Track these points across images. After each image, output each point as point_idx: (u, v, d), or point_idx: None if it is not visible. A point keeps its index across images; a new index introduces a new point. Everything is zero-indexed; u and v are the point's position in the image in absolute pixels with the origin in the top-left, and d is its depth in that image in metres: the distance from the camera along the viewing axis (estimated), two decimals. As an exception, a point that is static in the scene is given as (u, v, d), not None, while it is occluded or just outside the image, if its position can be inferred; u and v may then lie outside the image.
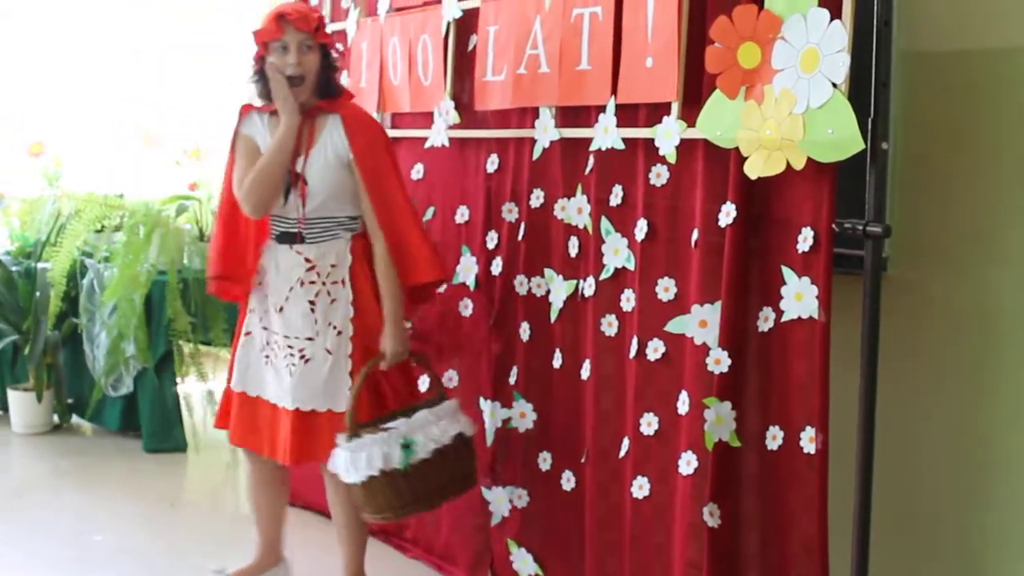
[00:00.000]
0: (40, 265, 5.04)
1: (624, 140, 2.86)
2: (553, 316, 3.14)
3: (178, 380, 4.88)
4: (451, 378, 3.46)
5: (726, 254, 2.59)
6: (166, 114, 6.22)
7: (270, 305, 3.14)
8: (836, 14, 2.34)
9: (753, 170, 2.48)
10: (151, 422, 4.83)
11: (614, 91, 2.86)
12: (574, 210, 3.06)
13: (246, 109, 3.15)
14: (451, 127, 3.46)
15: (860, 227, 2.43)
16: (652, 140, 2.77)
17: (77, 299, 4.99)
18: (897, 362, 2.74)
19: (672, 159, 2.73)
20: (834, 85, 2.32)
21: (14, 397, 5.08)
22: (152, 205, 4.92)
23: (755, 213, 2.58)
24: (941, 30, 2.76)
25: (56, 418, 5.17)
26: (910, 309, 2.82)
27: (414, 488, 2.92)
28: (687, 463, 2.66)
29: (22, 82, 6.12)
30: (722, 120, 2.55)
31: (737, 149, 2.53)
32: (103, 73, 6.24)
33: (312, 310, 3.06)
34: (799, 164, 2.39)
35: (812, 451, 2.45)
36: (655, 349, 2.79)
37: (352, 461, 2.89)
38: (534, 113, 3.16)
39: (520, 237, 3.24)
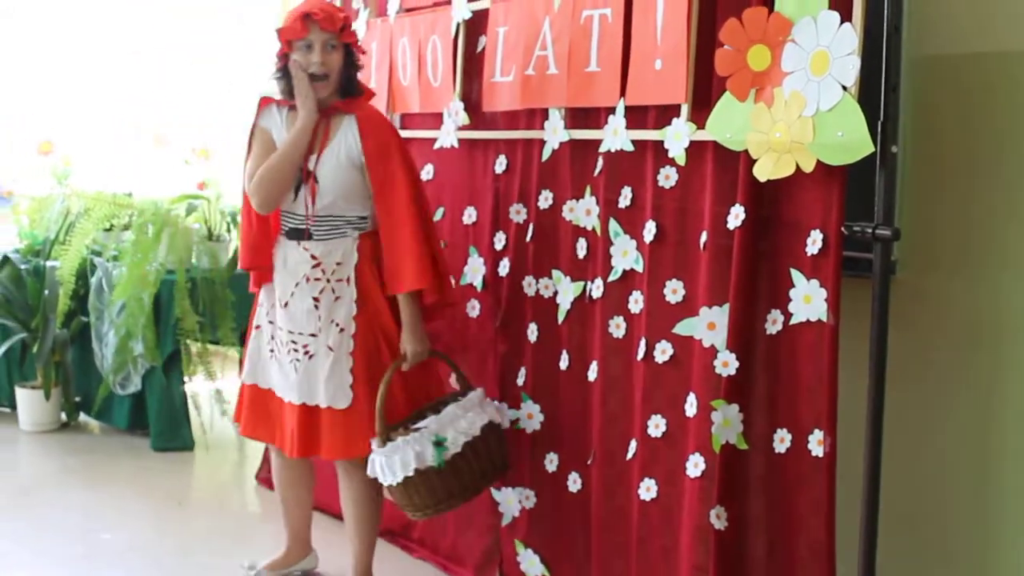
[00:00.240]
0: (49, 263, 5.06)
1: (633, 142, 2.86)
2: (560, 317, 3.14)
3: (186, 379, 4.89)
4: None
5: (735, 256, 2.59)
6: (175, 113, 6.24)
7: (276, 300, 3.16)
8: (846, 17, 2.33)
9: (762, 172, 2.48)
10: (159, 421, 4.84)
11: (623, 93, 2.86)
12: (583, 212, 3.06)
13: (265, 102, 3.16)
14: (460, 128, 3.46)
15: (869, 230, 2.43)
16: (661, 142, 2.77)
17: (86, 297, 5.00)
18: (905, 365, 2.74)
19: (681, 161, 2.73)
20: (844, 88, 2.32)
21: (22, 395, 5.09)
22: (161, 204, 4.93)
23: (764, 216, 2.58)
24: (951, 33, 2.75)
25: (64, 416, 5.18)
26: (919, 312, 2.82)
27: (449, 483, 2.98)
28: (694, 465, 2.66)
29: (32, 81, 6.13)
30: (732, 122, 2.55)
31: (746, 151, 2.52)
32: (111, 72, 6.26)
33: (316, 307, 3.08)
34: (808, 167, 2.39)
35: (820, 454, 2.45)
36: (663, 351, 2.79)
37: (388, 464, 2.95)
38: (542, 114, 3.16)
39: (528, 238, 3.24)
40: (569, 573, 3.17)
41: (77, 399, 5.21)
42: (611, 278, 2.95)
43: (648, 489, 2.81)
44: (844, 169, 2.38)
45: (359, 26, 3.93)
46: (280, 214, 3.14)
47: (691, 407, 2.69)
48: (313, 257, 3.08)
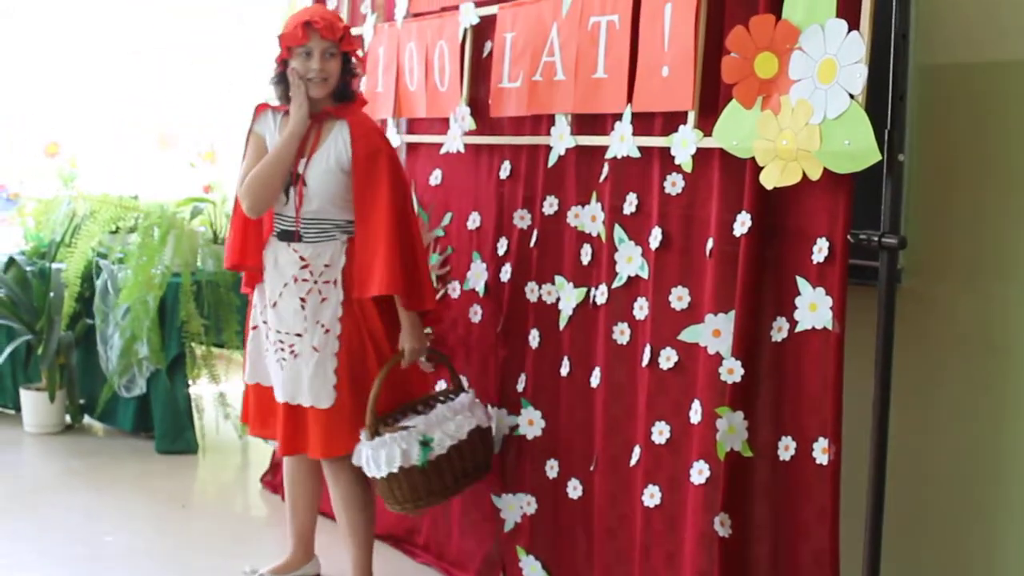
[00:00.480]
0: (54, 265, 5.06)
1: (640, 148, 2.86)
2: (562, 323, 3.14)
3: (190, 382, 4.89)
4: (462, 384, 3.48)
5: (740, 264, 2.59)
6: (179, 115, 6.25)
7: (266, 300, 3.22)
8: (854, 25, 2.34)
9: (769, 180, 2.48)
10: (163, 423, 4.84)
11: (630, 99, 2.86)
12: (588, 218, 3.06)
13: (261, 108, 3.22)
14: (466, 133, 3.46)
15: (875, 238, 2.43)
16: (668, 149, 2.77)
17: (91, 300, 5.00)
18: (911, 374, 2.74)
19: (688, 168, 2.73)
20: (851, 96, 2.32)
21: (27, 397, 5.10)
22: (167, 207, 4.94)
23: (770, 223, 2.58)
24: (958, 42, 2.75)
25: (68, 418, 5.18)
26: (924, 321, 2.81)
27: (431, 482, 3.06)
28: (699, 472, 2.65)
29: (38, 83, 6.15)
30: (738, 130, 2.55)
31: (753, 159, 2.53)
32: (116, 73, 6.27)
33: (302, 307, 3.13)
34: (815, 175, 2.39)
35: (824, 462, 2.44)
36: (668, 358, 2.79)
37: (373, 458, 3.02)
38: (548, 120, 3.16)
39: (532, 244, 3.24)
40: (572, 579, 3.17)
41: (81, 401, 5.21)
42: (615, 284, 2.96)
43: (652, 496, 2.81)
44: (851, 177, 2.38)
45: (367, 30, 3.94)
46: (273, 216, 3.20)
47: (696, 414, 2.69)
48: (302, 259, 3.13)
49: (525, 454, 3.27)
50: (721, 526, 2.60)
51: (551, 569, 3.22)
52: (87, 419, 5.28)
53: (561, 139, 3.10)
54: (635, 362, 2.90)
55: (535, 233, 3.23)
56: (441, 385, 3.50)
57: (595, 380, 3.03)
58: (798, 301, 2.50)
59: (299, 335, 3.13)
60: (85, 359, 5.15)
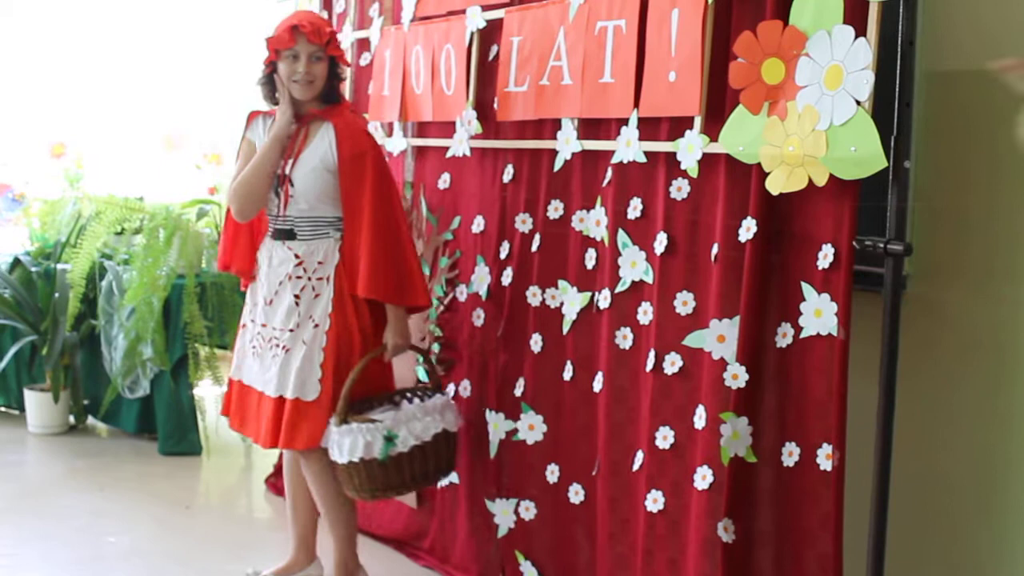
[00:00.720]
0: (59, 266, 5.07)
1: (646, 153, 2.86)
2: (566, 328, 3.14)
3: (194, 384, 4.90)
4: (465, 388, 3.48)
5: (746, 269, 2.58)
6: (186, 117, 6.26)
7: (260, 298, 3.27)
8: (861, 31, 2.34)
9: (775, 186, 2.48)
10: (167, 425, 4.85)
11: (637, 104, 2.86)
12: (592, 222, 3.06)
13: (253, 115, 3.31)
14: (472, 137, 3.47)
15: (881, 245, 2.43)
16: (674, 154, 2.77)
17: (96, 301, 5.01)
18: (916, 380, 2.73)
19: (694, 173, 2.73)
20: (858, 102, 2.32)
21: (31, 397, 5.11)
22: (172, 208, 4.95)
23: (776, 229, 2.57)
24: (965, 49, 2.75)
25: (72, 419, 5.19)
26: (930, 327, 2.81)
27: (389, 476, 3.13)
28: (702, 478, 2.65)
29: (44, 83, 6.16)
30: (745, 135, 2.55)
31: (759, 164, 2.53)
32: (123, 75, 6.28)
33: (296, 303, 3.18)
34: (821, 181, 2.39)
35: (828, 468, 2.44)
36: (672, 363, 2.78)
37: (338, 443, 3.10)
38: (551, 124, 3.16)
39: (535, 248, 3.24)
40: (573, 585, 3.17)
41: (85, 402, 5.22)
42: (619, 289, 2.95)
43: (655, 501, 2.81)
44: (857, 183, 2.37)
45: (374, 34, 3.94)
46: (267, 217, 3.26)
47: (700, 419, 2.69)
48: (296, 256, 3.19)
49: (525, 458, 3.27)
50: (724, 531, 2.60)
51: (551, 574, 3.21)
52: (91, 420, 5.29)
53: (567, 143, 3.10)
54: (638, 367, 2.90)
55: (537, 237, 3.23)
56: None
57: (597, 385, 3.03)
58: (803, 307, 2.50)
59: (291, 331, 3.18)
60: (89, 360, 5.16)
